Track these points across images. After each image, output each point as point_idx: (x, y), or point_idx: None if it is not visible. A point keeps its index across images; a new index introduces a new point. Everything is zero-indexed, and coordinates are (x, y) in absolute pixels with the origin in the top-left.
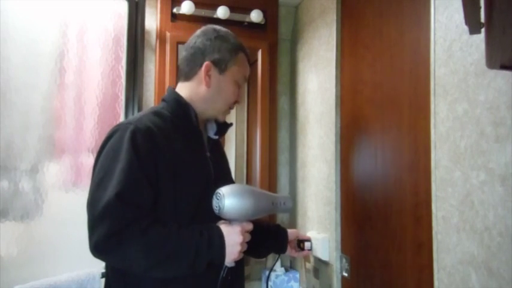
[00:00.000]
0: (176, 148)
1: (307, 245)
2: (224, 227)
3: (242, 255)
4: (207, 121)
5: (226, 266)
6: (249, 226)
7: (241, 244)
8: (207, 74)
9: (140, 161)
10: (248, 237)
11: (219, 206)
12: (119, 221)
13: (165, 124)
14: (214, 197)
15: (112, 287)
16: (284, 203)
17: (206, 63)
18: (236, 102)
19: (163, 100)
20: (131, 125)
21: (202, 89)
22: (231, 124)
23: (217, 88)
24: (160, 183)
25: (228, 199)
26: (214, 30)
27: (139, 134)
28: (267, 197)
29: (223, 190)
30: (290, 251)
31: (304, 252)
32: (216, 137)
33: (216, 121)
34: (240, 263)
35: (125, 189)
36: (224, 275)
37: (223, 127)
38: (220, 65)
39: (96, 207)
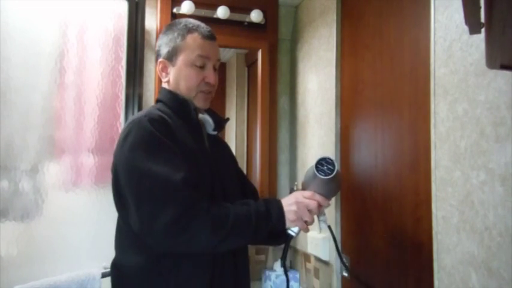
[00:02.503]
0: (185, 140)
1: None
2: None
3: (306, 226)
4: (202, 118)
5: (290, 236)
6: (306, 193)
7: (298, 203)
8: (163, 71)
9: (174, 144)
10: (310, 203)
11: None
12: (183, 204)
13: (170, 118)
14: (320, 163)
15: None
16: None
17: (159, 61)
18: (207, 83)
19: (159, 101)
20: (145, 117)
21: (167, 85)
22: (227, 119)
23: (176, 80)
24: None
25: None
26: (166, 26)
27: (156, 123)
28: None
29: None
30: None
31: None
32: (215, 133)
33: (212, 116)
34: (244, 259)
35: (184, 172)
36: (287, 247)
37: (220, 123)
38: (171, 58)
39: (155, 196)
